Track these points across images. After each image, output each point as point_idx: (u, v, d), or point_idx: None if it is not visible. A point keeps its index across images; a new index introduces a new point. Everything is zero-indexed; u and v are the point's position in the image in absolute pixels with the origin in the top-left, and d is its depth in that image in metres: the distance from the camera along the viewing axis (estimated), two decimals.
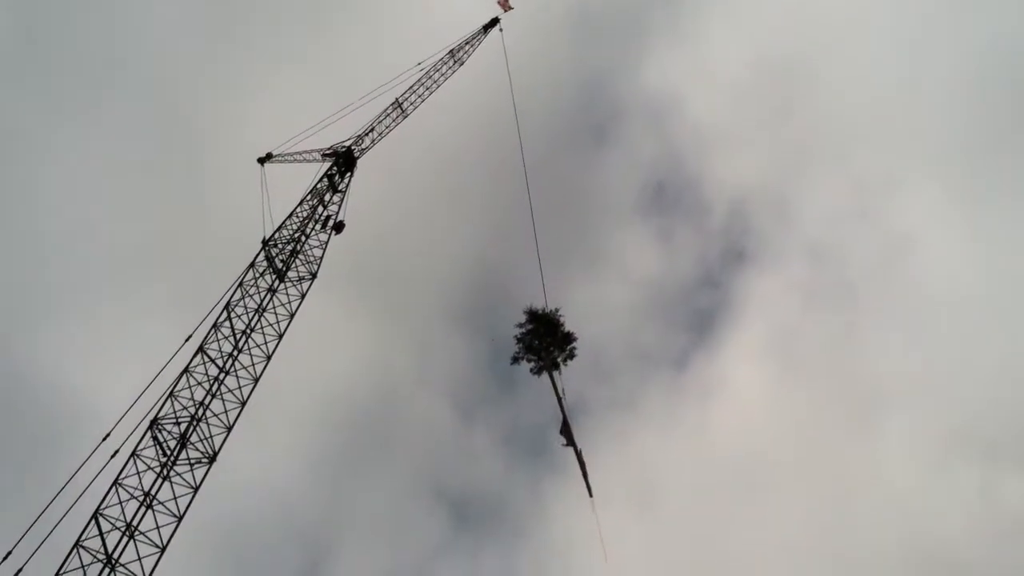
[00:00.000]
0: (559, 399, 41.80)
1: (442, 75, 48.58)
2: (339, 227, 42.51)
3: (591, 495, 41.12)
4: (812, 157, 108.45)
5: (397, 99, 47.11)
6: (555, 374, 42.17)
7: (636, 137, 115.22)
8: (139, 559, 29.28)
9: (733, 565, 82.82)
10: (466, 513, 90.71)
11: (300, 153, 46.25)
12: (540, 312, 43.33)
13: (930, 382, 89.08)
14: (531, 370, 43.15)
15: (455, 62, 49.07)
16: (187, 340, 35.70)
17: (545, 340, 42.57)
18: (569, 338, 43.00)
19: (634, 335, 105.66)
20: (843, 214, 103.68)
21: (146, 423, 32.54)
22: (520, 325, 43.27)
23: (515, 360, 43.23)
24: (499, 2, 51.01)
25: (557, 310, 43.57)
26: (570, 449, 41.40)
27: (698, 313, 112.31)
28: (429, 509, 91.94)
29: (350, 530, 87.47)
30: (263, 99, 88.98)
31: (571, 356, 43.12)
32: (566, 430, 41.22)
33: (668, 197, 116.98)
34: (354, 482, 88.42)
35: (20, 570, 29.12)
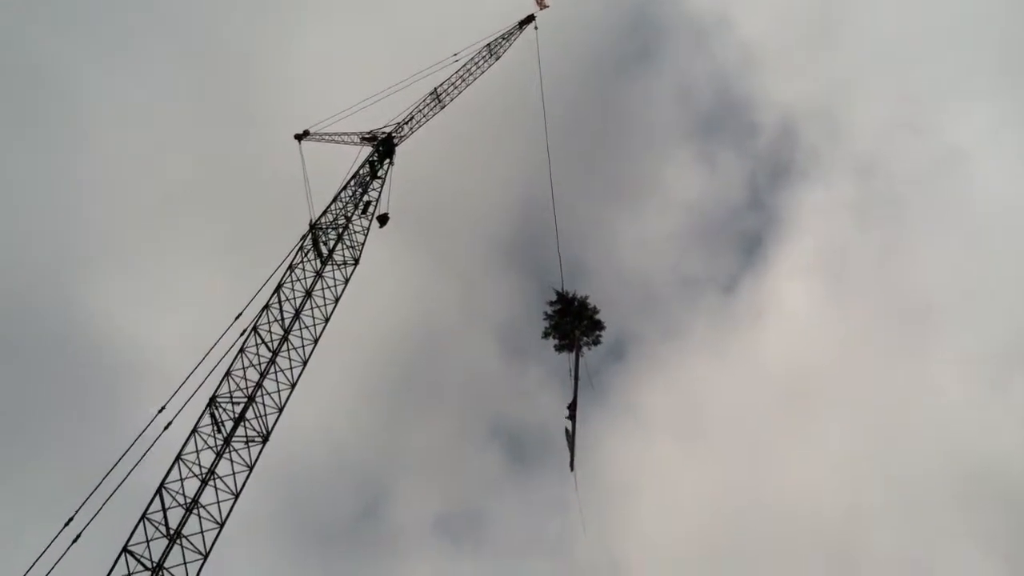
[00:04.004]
0: (576, 381, 43.52)
1: (479, 68, 49.38)
2: (383, 220, 43.39)
3: (572, 469, 43.14)
4: (862, 72, 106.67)
5: (436, 89, 47.83)
6: (579, 353, 43.82)
7: (681, 59, 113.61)
8: (201, 532, 30.35)
9: (785, 485, 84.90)
10: (520, 448, 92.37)
11: (338, 134, 46.81)
12: (570, 297, 44.79)
13: (982, 296, 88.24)
14: (555, 347, 44.75)
15: (491, 56, 49.89)
16: (237, 318, 36.49)
17: (574, 324, 44.05)
18: (597, 325, 44.55)
19: (681, 262, 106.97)
20: (893, 128, 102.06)
21: (199, 396, 33.55)
22: (551, 303, 44.72)
23: (545, 336, 44.77)
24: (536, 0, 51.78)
25: (587, 297, 45.13)
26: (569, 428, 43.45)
27: (745, 235, 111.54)
28: (483, 445, 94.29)
29: (405, 469, 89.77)
30: (305, 64, 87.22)
31: (596, 342, 44.76)
32: (572, 408, 43.07)
33: (714, 119, 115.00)
34: (408, 422, 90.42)
35: (79, 536, 29.97)
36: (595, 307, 44.94)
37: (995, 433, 78.07)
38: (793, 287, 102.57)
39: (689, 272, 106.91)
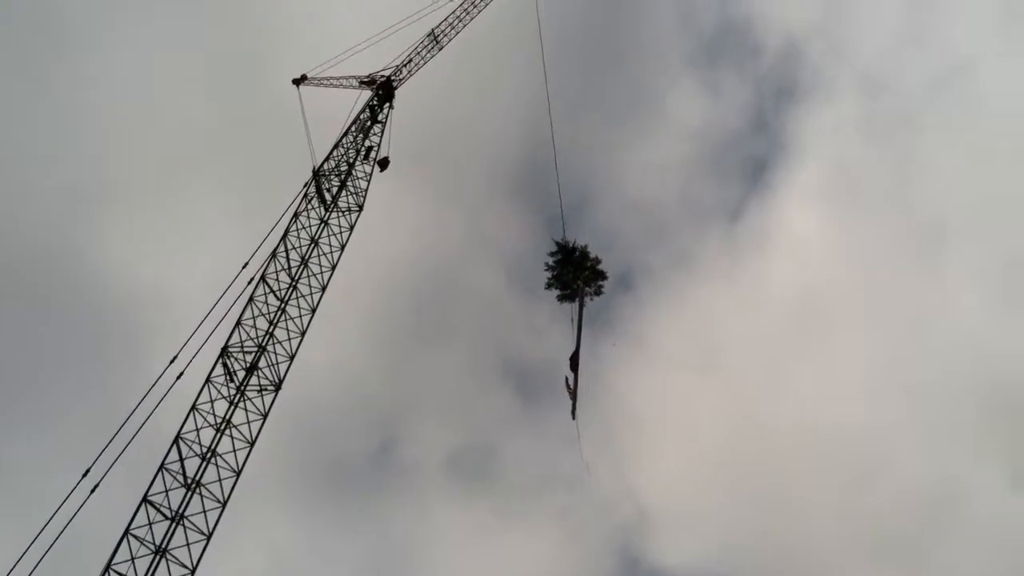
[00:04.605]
0: (579, 331, 43.81)
1: (476, 8, 48.51)
2: (384, 163, 42.98)
3: (574, 417, 43.95)
4: None
5: (433, 30, 47.06)
6: (582, 304, 44.07)
7: None
8: (219, 480, 30.60)
9: (801, 407, 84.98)
10: (531, 383, 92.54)
11: (336, 79, 46.16)
12: (571, 247, 44.80)
13: (994, 208, 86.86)
14: (557, 298, 44.99)
15: None
16: (244, 267, 36.33)
17: (575, 275, 44.16)
18: (599, 275, 44.67)
19: (687, 189, 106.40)
20: (897, 42, 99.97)
21: (210, 345, 33.60)
22: (552, 254, 44.78)
23: (548, 287, 44.93)
24: None
25: (586, 246, 45.20)
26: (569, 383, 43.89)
27: (751, 160, 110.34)
28: (496, 382, 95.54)
29: (418, 406, 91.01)
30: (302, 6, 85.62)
31: (599, 293, 44.98)
32: (574, 358, 43.43)
33: (715, 42, 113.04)
34: (419, 360, 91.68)
35: (96, 486, 30.19)
36: (596, 257, 45.08)
37: (1011, 345, 77.29)
38: (801, 210, 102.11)
39: (695, 199, 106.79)
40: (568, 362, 43.69)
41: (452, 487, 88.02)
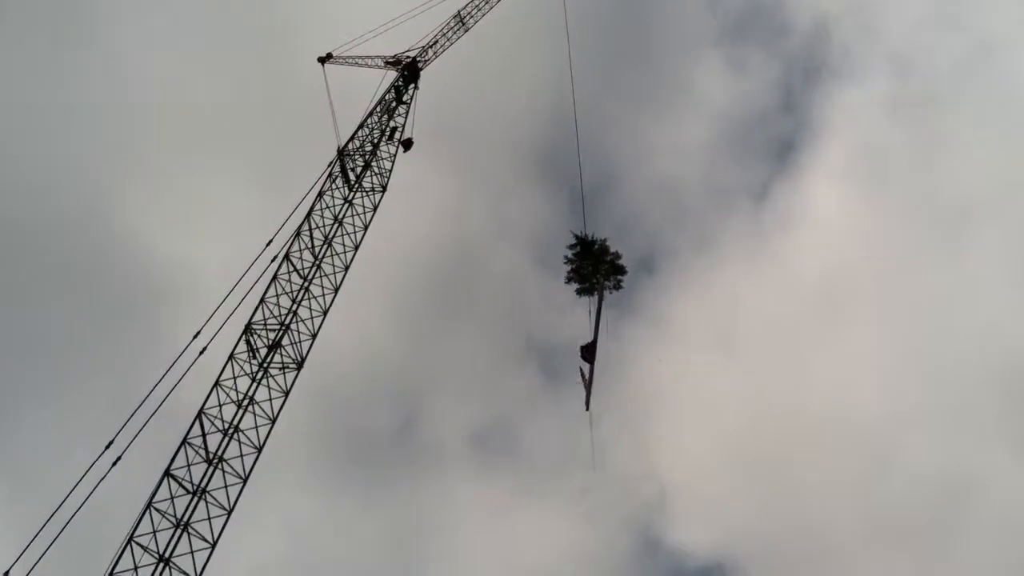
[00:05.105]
0: (596, 324, 43.63)
1: None
2: (407, 144, 42.89)
3: (588, 409, 43.60)
4: None
5: (459, 12, 46.87)
6: (602, 298, 43.83)
7: None
8: (240, 456, 30.83)
9: (822, 391, 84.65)
10: (554, 362, 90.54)
11: (362, 58, 46.11)
12: (589, 239, 44.56)
13: (1019, 193, 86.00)
14: (576, 291, 44.77)
15: None
16: (268, 244, 36.35)
17: (594, 268, 43.95)
18: (619, 269, 44.43)
19: (712, 170, 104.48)
20: (927, 22, 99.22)
21: (233, 321, 33.75)
22: (571, 247, 44.57)
23: (568, 281, 44.79)
24: None
25: (605, 239, 44.89)
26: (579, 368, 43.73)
27: (778, 140, 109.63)
28: (519, 361, 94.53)
29: (441, 383, 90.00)
30: None
31: (618, 287, 44.70)
32: (591, 351, 43.27)
33: (742, 20, 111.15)
34: (443, 337, 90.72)
35: (119, 458, 30.39)
36: (616, 252, 44.71)
37: None
38: (827, 191, 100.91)
39: (720, 180, 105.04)
40: (580, 351, 43.58)
41: (473, 464, 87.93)
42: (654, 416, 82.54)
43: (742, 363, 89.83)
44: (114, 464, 30.09)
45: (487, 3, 47.71)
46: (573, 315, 44.62)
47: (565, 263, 44.98)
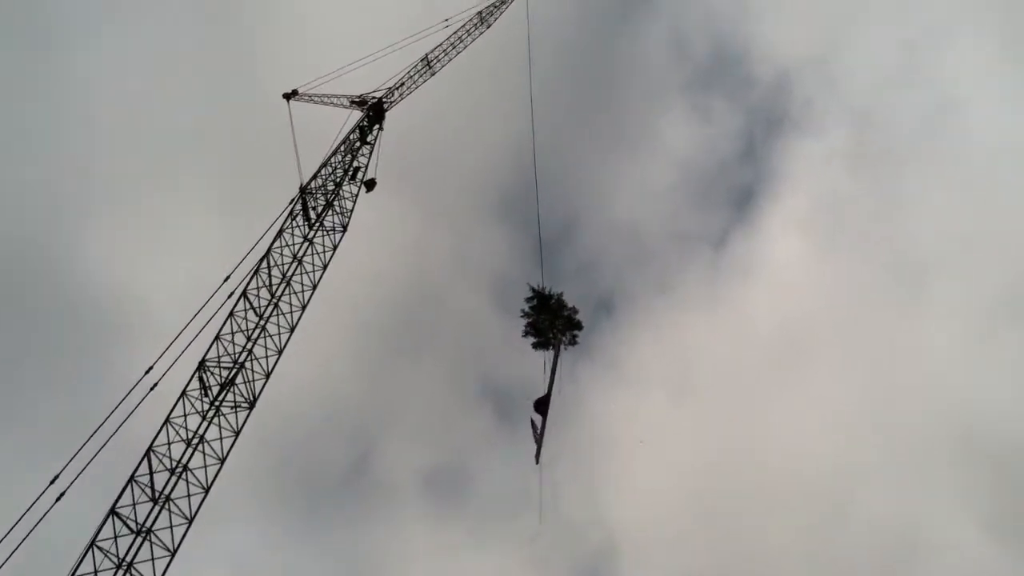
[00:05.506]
0: (551, 379, 43.87)
1: (470, 35, 49.08)
2: (370, 185, 43.13)
3: (537, 462, 43.70)
4: (857, 20, 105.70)
5: (427, 56, 47.50)
6: (558, 353, 44.12)
7: (675, 6, 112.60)
8: (188, 496, 30.59)
9: (773, 445, 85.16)
10: (509, 404, 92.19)
11: (328, 96, 46.39)
12: (546, 293, 44.86)
13: (977, 248, 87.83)
14: (532, 345, 44.97)
15: (483, 23, 49.57)
16: (226, 280, 36.35)
17: (551, 323, 44.24)
18: (575, 324, 44.73)
19: (673, 215, 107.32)
20: (889, 77, 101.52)
21: (187, 357, 33.57)
22: (528, 300, 44.87)
23: (524, 334, 45.00)
24: None
25: (561, 294, 45.17)
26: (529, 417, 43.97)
27: (738, 189, 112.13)
28: (474, 403, 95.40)
29: (396, 424, 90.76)
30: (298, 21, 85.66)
31: (574, 342, 44.97)
32: (544, 405, 43.51)
33: (709, 69, 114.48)
34: (399, 377, 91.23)
35: (63, 494, 30.00)
36: (574, 307, 45.03)
37: (986, 389, 78.41)
38: (786, 241, 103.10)
39: (681, 226, 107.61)
40: (533, 404, 43.75)
41: (425, 505, 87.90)
42: (607, 461, 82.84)
43: (697, 409, 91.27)
44: (58, 500, 29.73)
45: (454, 48, 48.52)
46: (529, 360, 44.87)
47: (522, 316, 45.18)
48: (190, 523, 30.14)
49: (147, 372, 33.23)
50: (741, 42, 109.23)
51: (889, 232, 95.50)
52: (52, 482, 30.00)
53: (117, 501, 29.31)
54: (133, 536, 28.97)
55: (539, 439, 42.59)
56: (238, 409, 33.13)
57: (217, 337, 34.09)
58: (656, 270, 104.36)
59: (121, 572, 27.99)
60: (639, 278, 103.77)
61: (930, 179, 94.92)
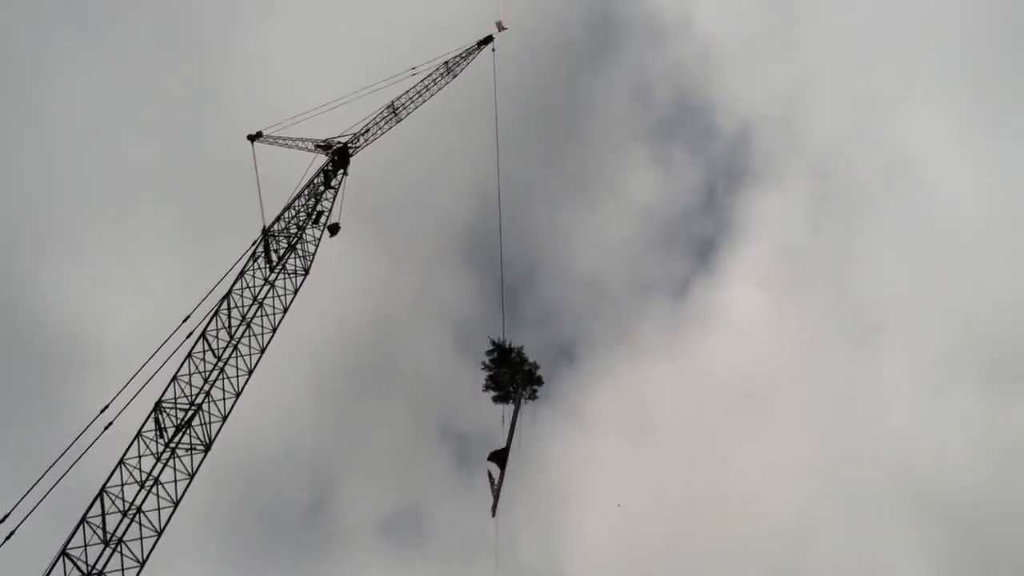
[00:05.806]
0: (511, 433, 44.36)
1: (436, 84, 49.99)
2: (333, 229, 43.60)
3: (494, 515, 44.23)
4: (819, 76, 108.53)
5: (393, 103, 48.29)
6: (518, 407, 44.61)
7: (639, 58, 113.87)
8: (140, 539, 30.51)
9: (731, 495, 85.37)
10: (469, 448, 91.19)
11: (293, 139, 46.86)
12: (507, 347, 45.50)
13: (934, 302, 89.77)
14: (492, 399, 45.45)
15: (449, 73, 50.51)
16: (185, 320, 36.52)
17: (511, 377, 44.80)
18: (535, 379, 45.38)
19: (634, 264, 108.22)
20: (848, 135, 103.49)
21: (142, 397, 33.64)
22: (488, 353, 45.44)
23: (485, 388, 45.48)
24: (496, 22, 52.47)
25: (522, 347, 45.94)
26: (489, 466, 44.32)
27: (699, 239, 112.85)
28: (434, 446, 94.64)
29: (355, 466, 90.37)
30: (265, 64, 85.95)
31: (533, 397, 45.55)
32: (503, 458, 43.95)
33: (670, 120, 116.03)
34: (359, 420, 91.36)
35: (12, 533, 29.82)
36: (535, 362, 45.83)
37: (940, 440, 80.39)
38: (745, 292, 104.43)
39: (641, 275, 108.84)
40: (489, 455, 44.16)
41: (383, 548, 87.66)
42: (564, 508, 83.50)
43: (656, 457, 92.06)
44: (7, 539, 29.62)
45: (420, 96, 49.37)
46: (489, 407, 45.38)
47: (483, 368, 45.70)
48: (142, 566, 30.09)
49: (102, 411, 33.27)
50: (704, 96, 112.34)
51: (846, 284, 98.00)
52: (1, 521, 29.83)
53: (68, 542, 29.21)
54: None
55: (496, 492, 42.93)
56: (193, 451, 33.19)
57: (174, 378, 34.19)
58: (617, 318, 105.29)
59: None
60: (600, 326, 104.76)
61: (885, 233, 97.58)
